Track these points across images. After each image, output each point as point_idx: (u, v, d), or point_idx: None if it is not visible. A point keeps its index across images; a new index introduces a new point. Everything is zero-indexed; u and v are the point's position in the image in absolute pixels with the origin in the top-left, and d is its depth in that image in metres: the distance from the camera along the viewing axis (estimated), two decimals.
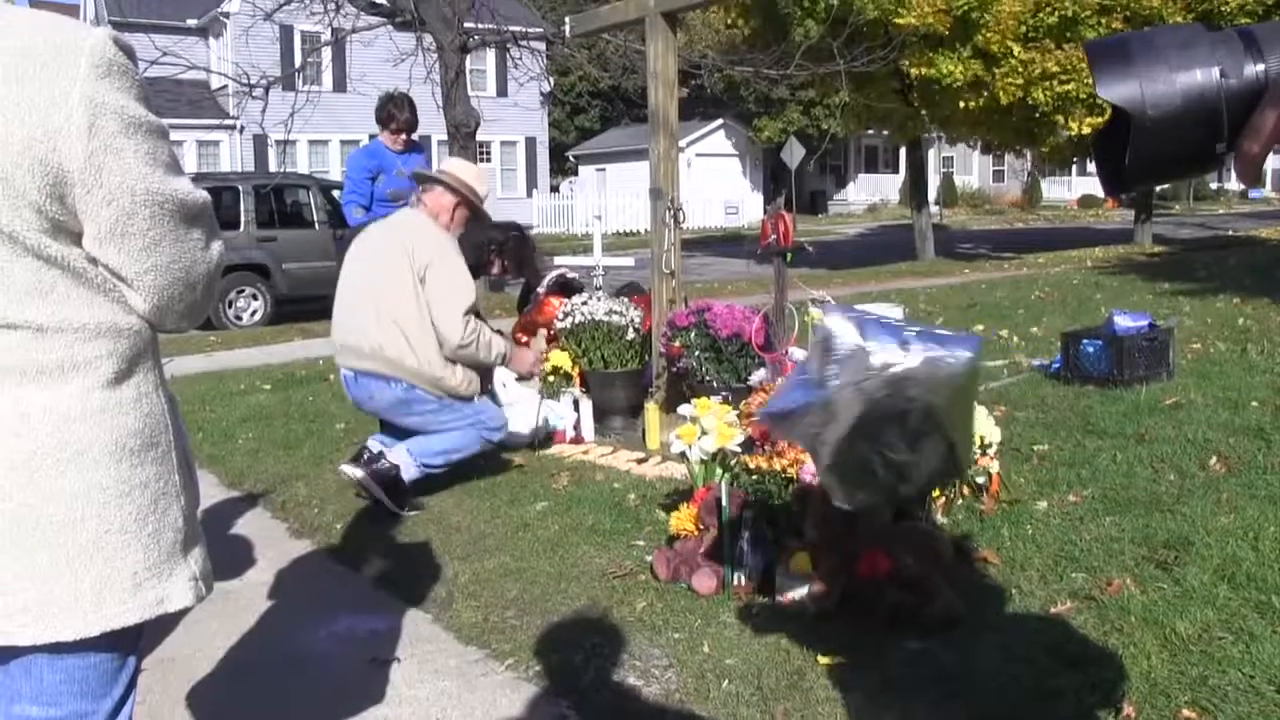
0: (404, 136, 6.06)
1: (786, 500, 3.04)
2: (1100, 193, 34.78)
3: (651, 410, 4.65)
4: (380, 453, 3.97)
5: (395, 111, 5.91)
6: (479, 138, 9.24)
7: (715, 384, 4.31)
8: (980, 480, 3.44)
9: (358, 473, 3.88)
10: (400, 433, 4.07)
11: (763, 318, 4.25)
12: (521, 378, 4.40)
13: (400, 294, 3.84)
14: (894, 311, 4.34)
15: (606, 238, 6.47)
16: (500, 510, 3.87)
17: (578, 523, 3.65)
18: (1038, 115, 16.02)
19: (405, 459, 3.94)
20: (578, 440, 4.78)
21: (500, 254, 4.78)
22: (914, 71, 15.69)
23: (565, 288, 5.44)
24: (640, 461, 4.44)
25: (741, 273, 15.65)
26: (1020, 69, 15.31)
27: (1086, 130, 15.48)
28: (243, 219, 12.04)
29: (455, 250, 3.95)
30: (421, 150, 6.22)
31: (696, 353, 4.41)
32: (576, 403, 4.84)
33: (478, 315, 3.97)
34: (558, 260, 5.90)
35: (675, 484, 3.97)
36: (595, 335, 4.95)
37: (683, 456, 3.32)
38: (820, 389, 1.13)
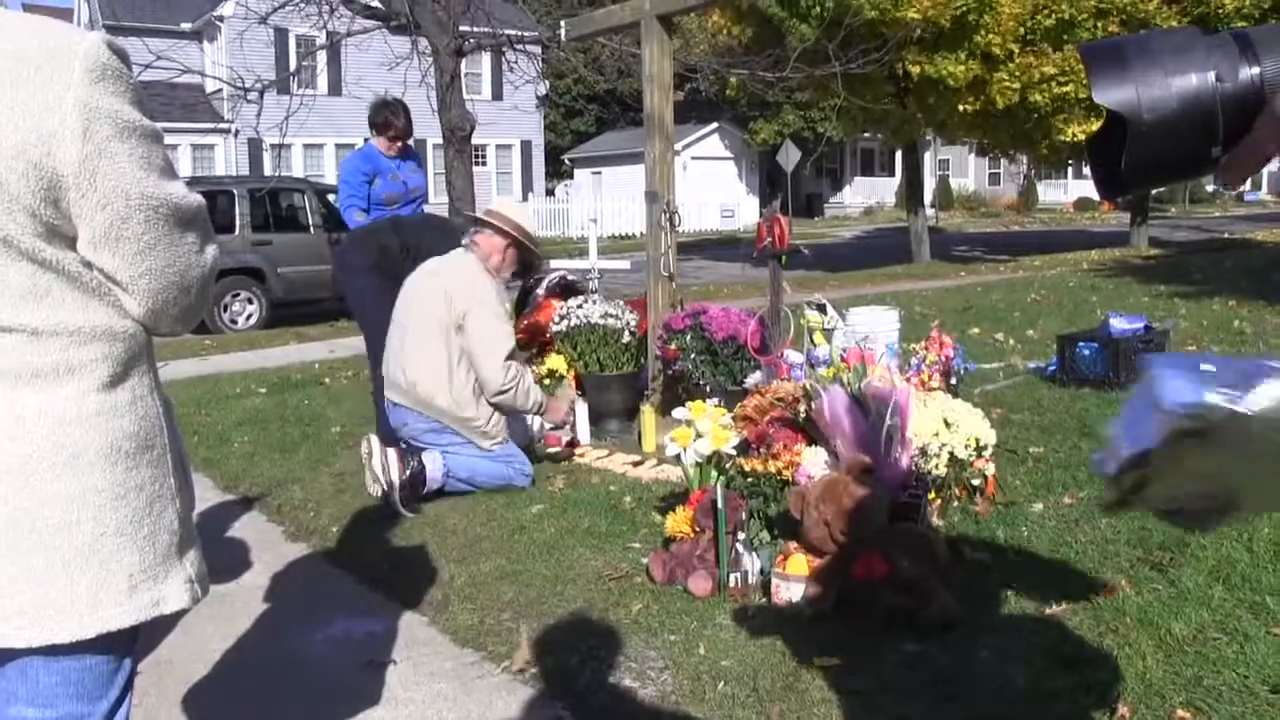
0: (399, 143, 6.03)
1: (782, 502, 3.05)
2: (1096, 195, 34.85)
3: (647, 413, 4.66)
4: (416, 451, 4.03)
5: (391, 118, 5.85)
6: (474, 141, 9.25)
7: (711, 387, 4.32)
8: (976, 482, 3.45)
9: (392, 471, 3.89)
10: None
11: (759, 320, 4.27)
12: (555, 427, 4.50)
13: (432, 336, 4.02)
14: (890, 315, 4.37)
15: (602, 241, 6.49)
16: (496, 513, 3.87)
17: (573, 525, 3.65)
18: (1035, 118, 16.05)
19: (435, 463, 3.99)
20: (573, 443, 4.79)
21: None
22: (915, 70, 15.69)
23: (566, 290, 5.44)
24: (636, 464, 4.45)
25: (737, 276, 15.69)
26: (1018, 73, 15.34)
27: (1083, 137, 15.50)
28: (237, 223, 12.04)
29: (497, 296, 4.06)
30: (415, 155, 6.17)
31: (692, 355, 4.42)
32: (572, 405, 4.84)
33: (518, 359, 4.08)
34: (553, 264, 5.90)
35: (671, 486, 3.98)
36: (591, 338, 4.96)
37: (678, 459, 3.33)
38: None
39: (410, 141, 5.92)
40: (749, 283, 13.77)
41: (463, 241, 4.34)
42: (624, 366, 5.00)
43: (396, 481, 3.90)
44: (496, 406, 4.09)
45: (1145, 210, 19.25)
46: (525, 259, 4.31)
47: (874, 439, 3.08)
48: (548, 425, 4.51)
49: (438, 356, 4.02)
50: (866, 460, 2.90)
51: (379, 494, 3.95)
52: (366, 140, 6.05)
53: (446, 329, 4.02)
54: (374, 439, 4.08)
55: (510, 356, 4.01)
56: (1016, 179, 41.50)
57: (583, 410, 4.87)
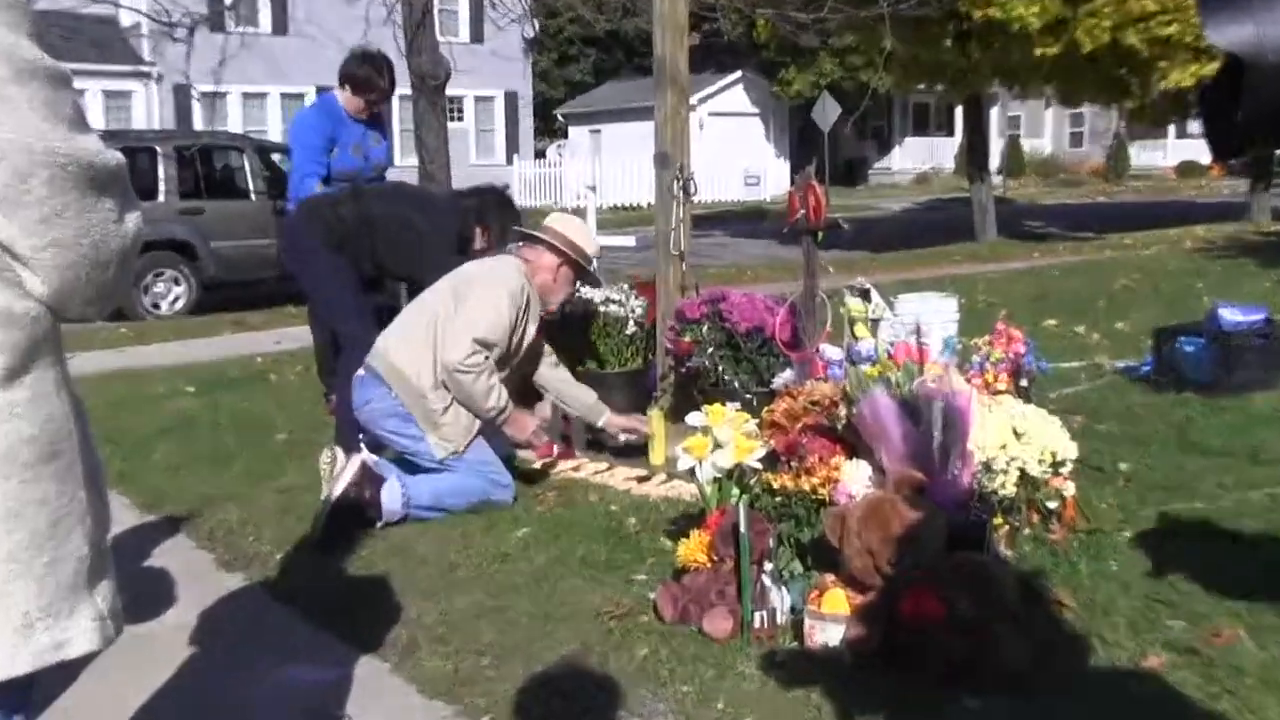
0: (374, 109, 5.89)
1: (817, 526, 3.05)
2: (1205, 158, 34.62)
3: (656, 419, 4.67)
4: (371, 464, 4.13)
5: (375, 78, 5.69)
6: (449, 92, 9.25)
7: (732, 388, 4.34)
8: (1052, 505, 3.45)
9: (341, 481, 4.01)
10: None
11: (789, 309, 4.29)
12: (517, 445, 4.53)
13: (432, 303, 4.28)
14: (948, 304, 4.37)
15: (602, 213, 6.51)
16: (473, 538, 3.88)
17: (566, 553, 3.67)
18: (1129, 64, 15.92)
19: (392, 494, 4.07)
20: (566, 454, 4.80)
21: (481, 220, 4.86)
22: (976, 14, 15.61)
23: None
24: (641, 480, 4.47)
25: (764, 255, 15.72)
26: (1110, 8, 15.15)
27: (1189, 82, 15.36)
28: (161, 187, 12.06)
29: (512, 290, 4.23)
30: (383, 123, 6.09)
31: (710, 350, 4.45)
32: (551, 424, 4.85)
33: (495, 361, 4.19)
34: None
35: (684, 506, 3.99)
36: (588, 329, 4.98)
37: (692, 474, 3.34)
38: None
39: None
40: (778, 264, 13.80)
41: (509, 248, 4.53)
42: (628, 363, 5.02)
43: (340, 490, 3.98)
44: (456, 398, 4.17)
45: (1267, 176, 18.99)
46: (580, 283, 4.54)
47: (928, 451, 3.08)
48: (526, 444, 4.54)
49: (426, 317, 4.23)
50: (919, 477, 2.90)
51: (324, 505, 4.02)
52: (322, 91, 5.93)
53: (443, 301, 4.23)
54: (338, 449, 4.15)
55: (486, 346, 4.13)
56: (1104, 139, 41.43)
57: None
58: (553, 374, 4.60)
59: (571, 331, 4.99)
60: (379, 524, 4.06)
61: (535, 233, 4.46)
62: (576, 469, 4.69)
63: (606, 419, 4.60)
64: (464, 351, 4.09)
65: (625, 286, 5.23)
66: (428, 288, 4.44)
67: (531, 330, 4.36)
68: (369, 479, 4.07)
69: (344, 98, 5.74)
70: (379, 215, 4.91)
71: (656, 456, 4.69)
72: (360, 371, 4.34)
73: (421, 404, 4.16)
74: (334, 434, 4.89)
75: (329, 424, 5.30)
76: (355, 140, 5.75)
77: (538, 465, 4.64)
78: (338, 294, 4.93)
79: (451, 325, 4.15)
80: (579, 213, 5.60)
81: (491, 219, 4.91)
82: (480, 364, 4.12)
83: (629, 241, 6.29)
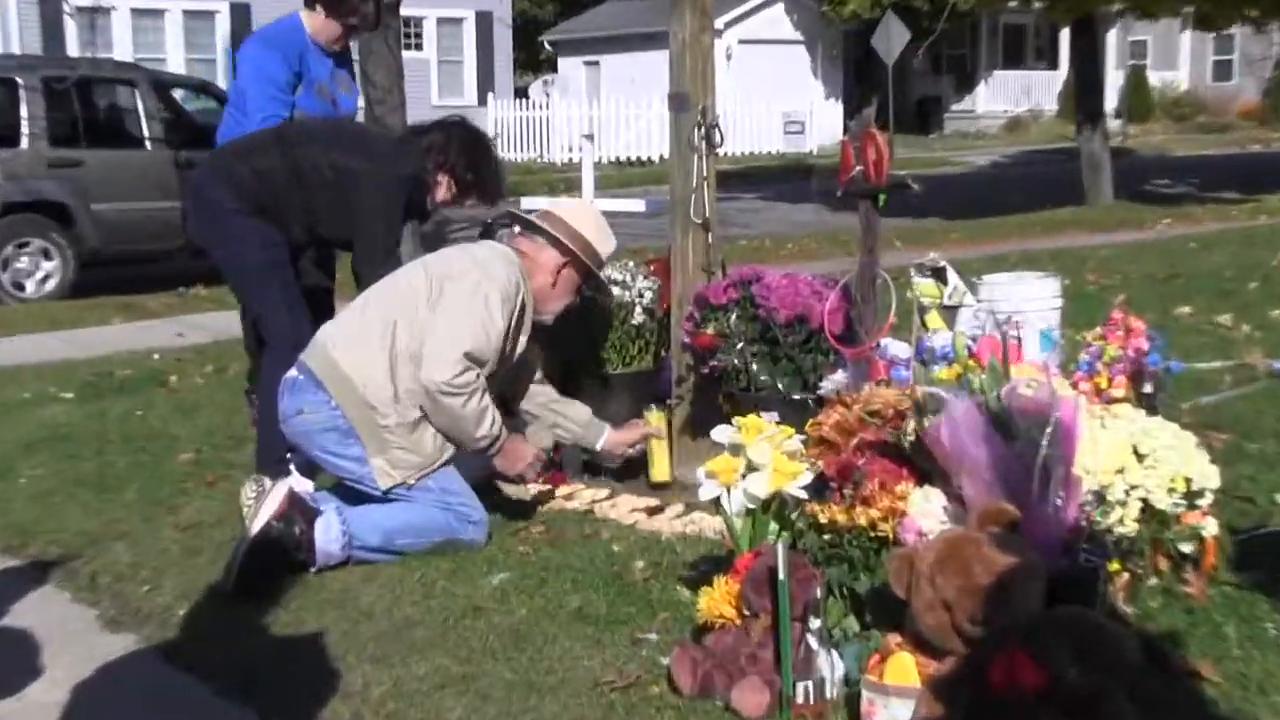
0: (347, 40, 5.69)
1: (879, 573, 3.02)
2: None
3: (655, 420, 4.71)
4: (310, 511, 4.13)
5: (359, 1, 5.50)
6: (404, 11, 9.25)
7: (769, 394, 4.32)
8: (1186, 547, 3.43)
9: (262, 514, 4.02)
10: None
11: (841, 292, 4.25)
12: (508, 480, 4.55)
13: (394, 301, 4.31)
14: (1048, 286, 4.36)
15: (601, 168, 6.50)
16: (435, 585, 3.87)
17: (555, 604, 3.66)
18: None
19: (329, 531, 4.07)
20: (557, 479, 4.80)
21: (446, 163, 4.85)
22: None
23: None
24: (652, 511, 4.46)
25: (810, 224, 15.67)
26: None
27: None
28: (25, 130, 11.98)
29: (505, 289, 4.27)
30: (351, 62, 5.97)
31: (740, 346, 4.42)
32: (549, 455, 4.78)
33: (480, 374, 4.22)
34: (528, 202, 5.90)
35: (706, 546, 3.98)
36: (584, 319, 4.93)
37: (717, 504, 3.32)
38: None
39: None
40: (827, 234, 13.76)
41: (496, 235, 4.56)
42: (634, 361, 5.02)
43: (261, 525, 3.98)
44: (436, 424, 4.19)
45: None
46: (584, 286, 4.57)
47: (1022, 476, 3.04)
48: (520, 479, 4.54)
49: (387, 311, 4.26)
50: (1010, 510, 2.88)
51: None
52: (284, 20, 5.65)
53: (419, 297, 4.25)
54: (265, 480, 4.14)
55: (478, 362, 4.17)
56: (1260, 71, 40.95)
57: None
58: (538, 391, 4.63)
59: (559, 321, 4.94)
60: (312, 569, 4.05)
61: (538, 221, 4.47)
62: (569, 497, 4.69)
63: (607, 439, 4.61)
64: (451, 369, 4.09)
65: (631, 264, 5.23)
66: (375, 261, 4.45)
67: (522, 342, 4.39)
68: (299, 511, 4.06)
69: (313, 21, 5.49)
70: (311, 165, 4.84)
71: (658, 473, 4.71)
72: (292, 373, 4.33)
73: (369, 418, 4.16)
74: (255, 453, 4.90)
75: (250, 438, 5.30)
76: (323, 79, 5.55)
77: (529, 497, 4.64)
78: (260, 272, 4.90)
79: (430, 331, 4.16)
80: (571, 168, 5.60)
81: (457, 162, 4.88)
82: (471, 383, 4.13)
83: (636, 206, 6.27)
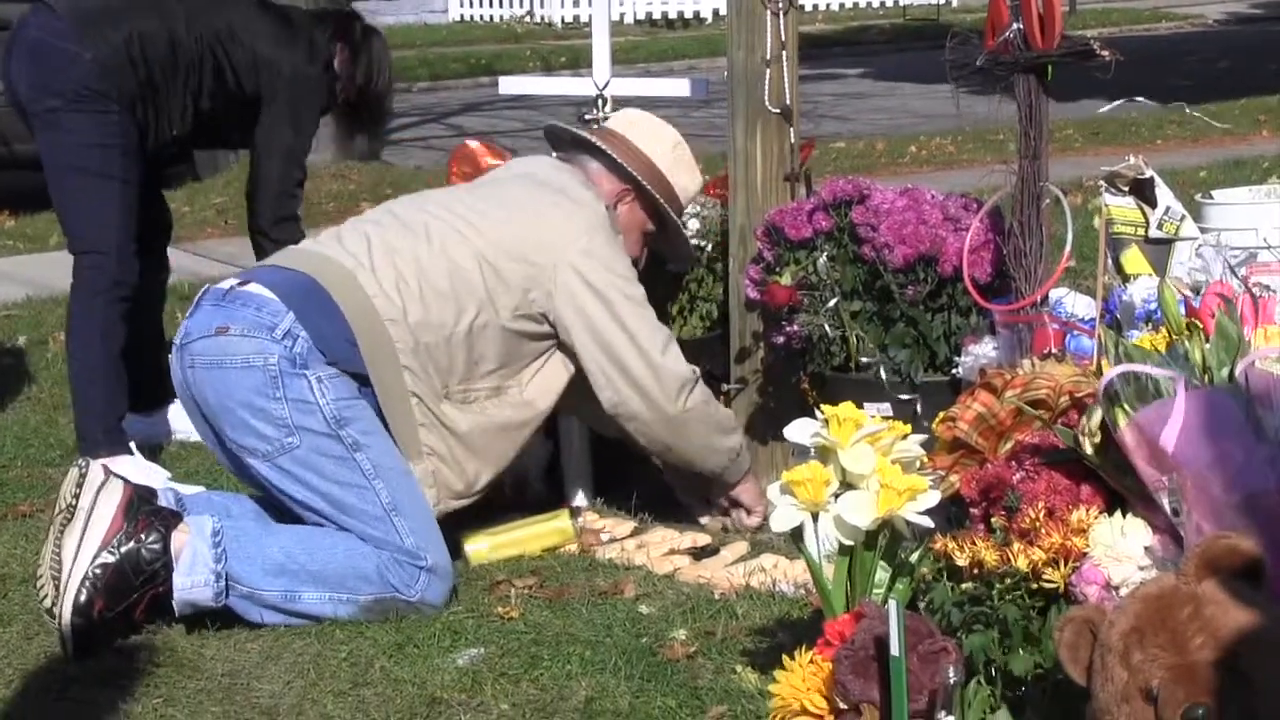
0: None
1: (1046, 644, 2.60)
2: None
3: None
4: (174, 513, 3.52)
5: None
6: None
7: (877, 374, 3.82)
8: None
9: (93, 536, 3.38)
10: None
11: (988, 220, 3.74)
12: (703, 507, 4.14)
13: (462, 252, 3.79)
14: None
15: (624, 29, 6.19)
16: (372, 661, 3.33)
17: (554, 695, 3.16)
18: None
19: (196, 558, 3.38)
20: (517, 502, 4.26)
21: (341, 34, 4.73)
22: None
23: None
24: (698, 553, 3.87)
25: (940, 115, 14.07)
26: None
27: None
28: None
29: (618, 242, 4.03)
30: None
31: (834, 301, 3.84)
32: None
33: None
34: (509, 84, 5.49)
35: (780, 606, 3.50)
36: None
37: (796, 540, 2.87)
38: None
39: None
40: (967, 131, 12.36)
41: (557, 155, 4.22)
42: (677, 325, 4.43)
43: (94, 554, 3.30)
44: (668, 458, 3.92)
45: None
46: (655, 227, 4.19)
47: (1269, 495, 2.59)
48: (746, 523, 4.08)
49: (461, 263, 3.74)
50: (1248, 547, 2.42)
51: (46, 597, 3.32)
52: None
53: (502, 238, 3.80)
54: (92, 463, 3.47)
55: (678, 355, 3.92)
56: None
57: (575, 440, 4.35)
58: None
59: None
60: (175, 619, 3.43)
61: (591, 138, 4.05)
62: (587, 540, 4.02)
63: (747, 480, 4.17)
64: (683, 364, 3.82)
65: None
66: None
67: None
68: (147, 516, 3.40)
69: None
70: (204, 31, 4.53)
71: None
72: (229, 281, 3.73)
73: (424, 363, 3.66)
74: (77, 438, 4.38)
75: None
76: None
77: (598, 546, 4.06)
78: (99, 181, 4.44)
79: (630, 352, 3.80)
80: (578, 30, 5.26)
81: (349, 31, 4.77)
82: (702, 394, 3.86)
83: (681, 89, 5.48)
